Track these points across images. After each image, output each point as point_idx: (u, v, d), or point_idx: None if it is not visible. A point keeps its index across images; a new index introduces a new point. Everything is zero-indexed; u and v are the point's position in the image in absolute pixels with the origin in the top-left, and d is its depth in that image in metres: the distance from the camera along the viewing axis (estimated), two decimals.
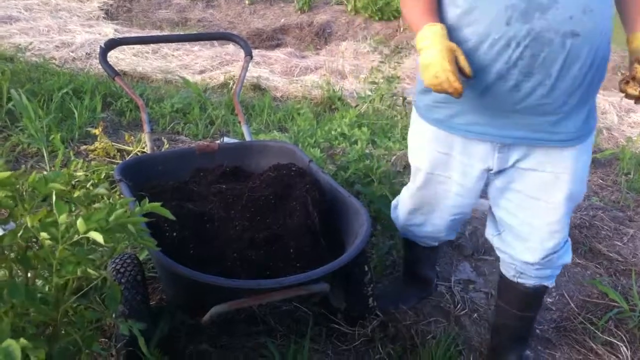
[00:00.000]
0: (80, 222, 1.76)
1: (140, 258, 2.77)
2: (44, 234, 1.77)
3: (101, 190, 2.01)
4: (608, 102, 7.02)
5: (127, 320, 2.11)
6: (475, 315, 3.00)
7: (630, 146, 5.43)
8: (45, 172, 3.61)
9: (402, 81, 6.97)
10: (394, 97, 5.57)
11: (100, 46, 3.20)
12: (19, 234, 1.81)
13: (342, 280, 2.69)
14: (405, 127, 5.17)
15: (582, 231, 3.75)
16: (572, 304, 3.14)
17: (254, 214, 2.60)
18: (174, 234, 2.44)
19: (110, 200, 3.14)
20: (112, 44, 3.26)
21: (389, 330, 2.80)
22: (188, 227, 2.48)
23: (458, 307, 3.04)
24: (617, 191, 4.53)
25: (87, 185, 3.53)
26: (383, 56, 5.83)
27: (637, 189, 4.59)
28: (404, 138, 4.91)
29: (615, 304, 3.09)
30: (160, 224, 2.41)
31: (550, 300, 3.17)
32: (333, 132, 4.40)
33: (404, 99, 5.81)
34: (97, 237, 1.75)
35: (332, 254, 2.54)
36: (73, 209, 1.96)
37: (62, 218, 1.78)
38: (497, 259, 3.37)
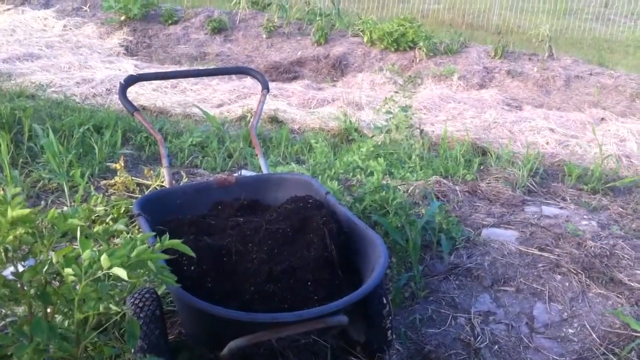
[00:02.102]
0: (104, 258, 1.79)
1: (159, 292, 2.78)
2: (68, 270, 1.80)
3: (120, 226, 2.04)
4: (627, 130, 6.98)
5: (146, 356, 2.12)
6: (496, 347, 2.97)
7: None
8: (65, 208, 3.67)
9: (418, 112, 7.00)
10: (411, 128, 5.59)
11: (120, 82, 3.26)
12: (44, 270, 1.84)
13: (360, 312, 2.68)
14: (422, 157, 5.19)
15: (602, 260, 3.71)
16: (594, 335, 3.09)
17: (271, 247, 2.61)
18: (192, 268, 2.46)
19: (130, 236, 3.17)
20: (131, 80, 3.33)
21: None
22: (206, 261, 2.50)
23: (478, 339, 3.01)
24: (638, 219, 4.48)
25: (107, 220, 3.57)
26: (397, 86, 5.85)
27: None
28: (421, 168, 4.92)
29: (638, 334, 3.03)
30: (179, 258, 2.42)
31: (572, 331, 3.13)
32: (350, 164, 4.42)
33: (421, 130, 5.82)
34: (121, 272, 1.78)
35: (350, 286, 2.54)
36: (93, 244, 1.98)
37: (86, 254, 1.81)
38: (517, 289, 3.37)
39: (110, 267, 1.79)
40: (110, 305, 1.95)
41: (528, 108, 8.00)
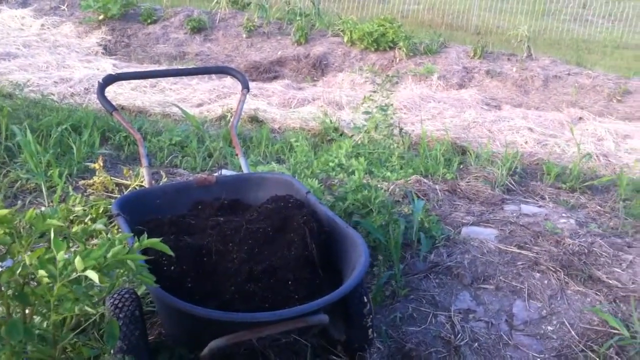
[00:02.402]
0: (78, 260, 1.77)
1: (139, 293, 2.76)
2: (42, 272, 1.77)
3: (98, 226, 2.02)
4: (604, 129, 7.07)
5: (125, 357, 2.11)
6: (476, 344, 2.98)
7: (627, 172, 5.45)
8: (43, 208, 3.63)
9: (398, 111, 7.02)
10: (391, 127, 5.60)
11: (98, 82, 3.23)
12: (17, 272, 1.82)
13: (341, 311, 2.68)
14: (402, 157, 5.20)
15: (581, 258, 3.74)
16: (573, 332, 3.12)
17: (252, 246, 2.60)
18: (172, 268, 2.45)
19: (108, 236, 3.14)
20: (109, 79, 3.30)
21: None
22: (186, 261, 2.48)
23: (458, 336, 3.02)
24: (616, 217, 4.53)
25: (86, 220, 3.53)
26: (375, 85, 5.87)
27: (635, 214, 4.59)
28: (402, 167, 4.94)
29: (616, 331, 3.07)
30: (158, 258, 2.41)
31: (551, 328, 3.16)
32: (330, 163, 4.42)
33: (401, 129, 5.84)
34: (93, 276, 1.76)
35: (330, 285, 2.54)
36: (71, 245, 1.96)
37: (60, 255, 1.79)
38: (497, 287, 3.39)
39: (84, 270, 1.77)
40: (87, 307, 1.93)
41: (507, 108, 8.07)
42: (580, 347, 3.01)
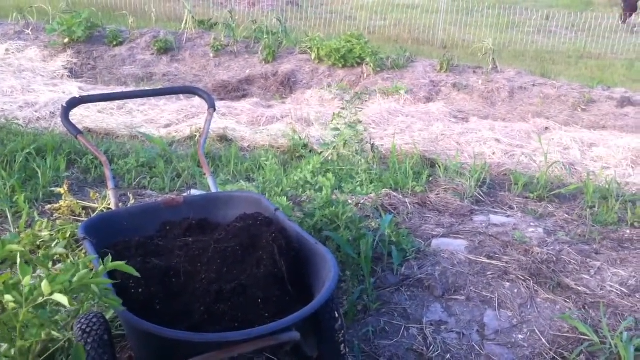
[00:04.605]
0: (45, 284, 1.75)
1: (107, 317, 2.72)
2: (8, 297, 1.75)
3: (59, 249, 2.00)
4: (570, 138, 7.18)
5: None
6: (448, 356, 2.99)
7: (593, 180, 5.54)
8: (7, 234, 3.57)
9: (367, 126, 7.06)
10: (361, 143, 5.63)
11: (62, 105, 3.20)
12: None
13: (313, 327, 2.68)
14: (371, 171, 5.23)
15: (549, 266, 3.79)
16: (544, 340, 3.15)
17: (220, 265, 2.59)
18: (140, 290, 2.42)
19: (71, 260, 3.10)
20: (73, 103, 3.26)
21: None
22: (154, 283, 2.46)
23: (431, 349, 3.03)
24: (583, 225, 4.60)
25: (53, 245, 3.48)
26: (344, 102, 5.90)
27: (602, 222, 4.67)
28: (371, 182, 4.96)
29: (586, 338, 3.11)
30: (126, 281, 2.38)
31: (522, 336, 3.18)
32: (299, 180, 4.43)
33: (372, 145, 5.87)
34: (62, 299, 1.74)
35: (301, 302, 2.53)
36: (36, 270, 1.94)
37: (26, 280, 1.77)
38: (468, 297, 3.41)
39: (51, 293, 1.75)
40: (53, 332, 1.91)
41: (474, 120, 8.16)
42: (551, 355, 3.04)
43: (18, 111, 7.23)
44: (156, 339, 2.13)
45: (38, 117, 7.07)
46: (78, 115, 6.94)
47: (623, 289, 3.63)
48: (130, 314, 2.12)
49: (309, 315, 2.28)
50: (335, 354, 2.71)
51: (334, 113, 5.84)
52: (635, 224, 4.65)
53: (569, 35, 16.10)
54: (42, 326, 1.88)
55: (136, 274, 2.03)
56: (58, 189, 4.20)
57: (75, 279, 1.84)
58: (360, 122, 5.73)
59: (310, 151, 5.95)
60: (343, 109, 5.76)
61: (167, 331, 2.08)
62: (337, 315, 2.66)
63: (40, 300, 1.79)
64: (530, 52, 14.50)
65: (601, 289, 3.63)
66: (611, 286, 3.65)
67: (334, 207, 3.79)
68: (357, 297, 3.34)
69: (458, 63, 10.74)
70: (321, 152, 5.57)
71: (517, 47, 14.82)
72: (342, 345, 2.70)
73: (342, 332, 2.69)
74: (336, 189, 4.53)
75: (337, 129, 5.60)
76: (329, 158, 5.44)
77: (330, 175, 4.09)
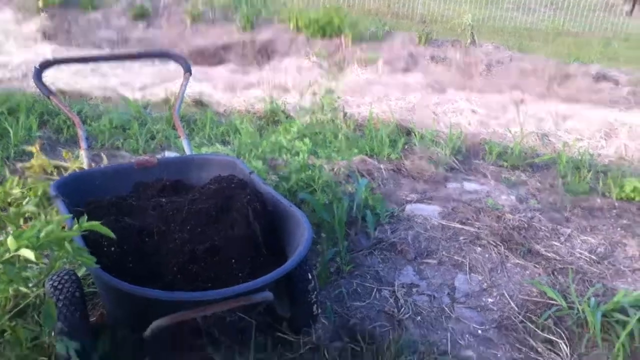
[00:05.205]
0: (10, 240, 1.73)
1: (79, 274, 2.71)
2: None
3: (30, 207, 1.98)
4: (545, 111, 7.23)
5: (63, 339, 2.07)
6: (419, 318, 3.03)
7: (566, 151, 5.60)
8: None
9: (345, 95, 7.04)
10: (336, 110, 5.61)
11: (35, 67, 3.15)
12: None
13: (286, 288, 2.69)
14: (347, 138, 5.23)
15: (520, 232, 3.84)
16: (513, 304, 3.20)
17: (194, 226, 2.58)
18: (112, 249, 2.40)
19: (47, 218, 3.07)
20: (46, 64, 3.21)
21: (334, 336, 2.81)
22: (127, 242, 2.45)
23: (402, 310, 3.07)
24: (555, 193, 4.66)
25: (24, 203, 3.44)
26: (324, 69, 5.88)
27: (573, 191, 4.73)
28: (348, 148, 4.96)
29: (554, 302, 3.16)
30: (98, 239, 2.36)
31: (492, 300, 3.23)
32: (276, 145, 4.42)
33: (345, 113, 5.85)
34: (28, 254, 1.72)
35: (275, 263, 2.54)
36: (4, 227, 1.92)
37: None
38: (439, 261, 3.45)
39: (17, 249, 1.73)
40: (22, 288, 1.89)
41: (451, 91, 8.16)
42: (519, 318, 3.09)
43: None
44: (129, 297, 2.12)
45: (10, 78, 6.94)
46: (51, 76, 6.80)
47: (592, 256, 3.70)
48: (103, 272, 2.10)
49: (282, 276, 2.29)
50: (307, 314, 2.74)
51: (310, 80, 5.81)
52: (606, 194, 4.73)
53: (547, 13, 16.12)
54: (10, 282, 1.86)
55: (110, 233, 2.02)
56: (30, 148, 4.14)
57: (42, 234, 1.82)
58: (338, 89, 5.71)
59: (287, 117, 5.93)
60: (322, 76, 5.74)
61: (140, 290, 2.07)
62: (310, 276, 2.68)
63: (7, 256, 1.77)
64: (508, 28, 14.50)
65: (570, 256, 3.69)
66: (580, 253, 3.72)
67: (310, 171, 3.79)
68: (330, 259, 3.36)
69: (437, 37, 10.71)
70: (299, 118, 5.55)
71: (496, 23, 14.81)
72: (315, 306, 2.73)
73: (315, 293, 2.71)
74: (312, 154, 4.53)
75: (314, 94, 5.58)
76: (306, 124, 5.42)
77: (307, 140, 4.08)
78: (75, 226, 1.97)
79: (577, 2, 15.14)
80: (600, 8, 15.75)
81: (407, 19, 14.46)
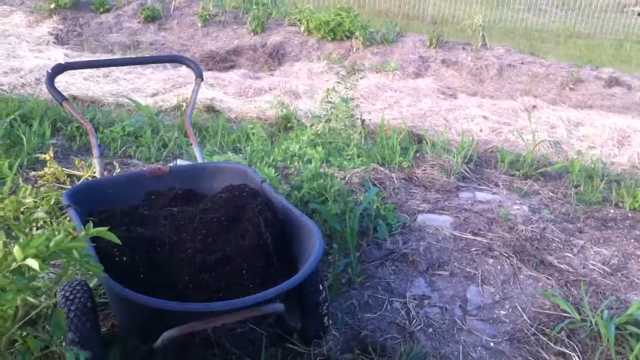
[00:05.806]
0: (17, 250, 1.73)
1: (91, 284, 2.71)
2: None
3: (40, 214, 1.98)
4: (557, 117, 7.19)
5: (74, 349, 2.07)
6: (430, 330, 3.02)
7: (579, 159, 5.57)
8: None
9: (356, 100, 7.03)
10: (351, 118, 5.60)
11: (47, 71, 3.15)
12: None
13: (297, 299, 2.68)
14: (359, 146, 5.22)
15: (533, 243, 3.82)
16: (525, 316, 3.18)
17: (205, 236, 2.58)
18: (124, 258, 2.41)
19: (57, 226, 3.08)
20: (59, 69, 3.21)
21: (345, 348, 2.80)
22: (138, 252, 2.45)
23: (413, 322, 3.05)
24: (567, 203, 4.63)
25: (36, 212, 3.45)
26: (339, 77, 5.86)
27: (586, 200, 4.70)
28: (359, 156, 4.95)
29: (567, 315, 3.14)
30: (110, 249, 2.37)
31: (504, 312, 3.21)
32: (288, 152, 4.41)
33: (363, 120, 5.85)
34: (33, 264, 1.72)
35: (286, 274, 2.53)
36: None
37: (0, 245, 1.75)
38: (451, 273, 3.43)
39: (24, 259, 1.73)
40: (29, 298, 1.89)
41: (462, 96, 8.14)
42: (532, 331, 3.07)
43: (3, 77, 7.13)
44: (140, 307, 2.12)
45: (23, 83, 6.97)
46: (63, 82, 6.85)
47: (605, 268, 3.66)
48: (113, 281, 2.10)
49: (293, 287, 2.28)
50: (318, 326, 2.73)
51: (327, 88, 5.80)
52: (619, 204, 4.69)
53: (559, 14, 16.08)
54: (19, 292, 1.86)
55: (117, 240, 2.01)
56: (43, 156, 4.16)
57: (52, 243, 1.81)
58: (353, 99, 5.71)
59: (299, 124, 5.92)
60: (338, 83, 5.73)
61: (151, 300, 2.07)
62: (321, 287, 2.67)
63: (15, 265, 1.77)
64: (519, 29, 14.47)
65: (583, 267, 3.66)
66: (593, 265, 3.69)
67: (322, 179, 3.78)
68: (341, 270, 3.35)
69: (447, 39, 10.70)
70: (312, 125, 5.54)
71: (507, 25, 14.79)
72: (326, 317, 2.72)
73: (326, 304, 2.70)
74: (324, 163, 4.52)
75: (330, 102, 5.57)
76: (319, 131, 5.41)
77: (319, 148, 4.08)
78: (82, 233, 1.97)
79: (588, 3, 15.08)
80: (612, 9, 15.68)
81: (417, 19, 14.48)
